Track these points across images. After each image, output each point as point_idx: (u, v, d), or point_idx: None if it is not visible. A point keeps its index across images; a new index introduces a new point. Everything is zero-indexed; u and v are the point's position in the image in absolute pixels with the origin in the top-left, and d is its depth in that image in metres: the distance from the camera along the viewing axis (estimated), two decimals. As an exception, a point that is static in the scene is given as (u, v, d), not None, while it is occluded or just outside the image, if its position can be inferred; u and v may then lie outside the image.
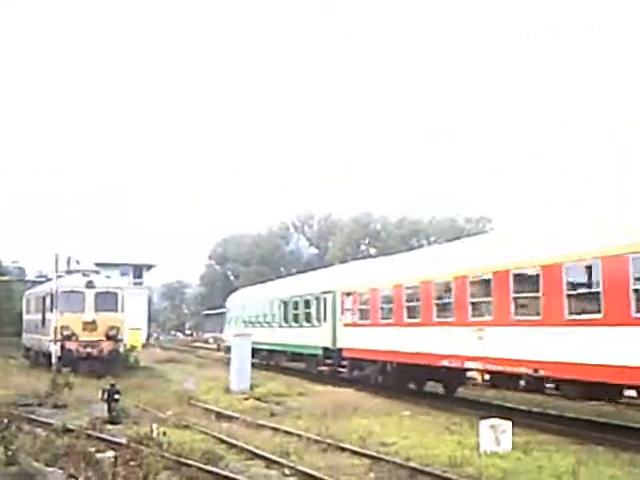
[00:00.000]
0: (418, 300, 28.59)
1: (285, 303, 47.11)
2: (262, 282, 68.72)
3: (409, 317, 29.20)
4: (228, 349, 46.25)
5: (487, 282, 24.17)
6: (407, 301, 29.56)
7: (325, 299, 38.96)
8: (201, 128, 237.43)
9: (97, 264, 54.56)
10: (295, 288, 47.07)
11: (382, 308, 31.87)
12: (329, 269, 50.94)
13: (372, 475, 15.93)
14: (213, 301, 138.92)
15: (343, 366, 36.07)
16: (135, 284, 78.77)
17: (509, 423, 18.28)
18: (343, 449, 18.26)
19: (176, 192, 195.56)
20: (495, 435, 17.90)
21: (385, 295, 31.87)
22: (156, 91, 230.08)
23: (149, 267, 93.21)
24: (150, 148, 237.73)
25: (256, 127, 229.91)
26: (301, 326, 43.30)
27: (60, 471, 15.26)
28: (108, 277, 47.35)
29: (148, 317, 79.67)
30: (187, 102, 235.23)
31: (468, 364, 24.99)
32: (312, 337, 40.45)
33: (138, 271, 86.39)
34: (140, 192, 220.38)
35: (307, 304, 42.48)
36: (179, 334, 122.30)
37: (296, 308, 44.58)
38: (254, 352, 45.82)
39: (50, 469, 15.34)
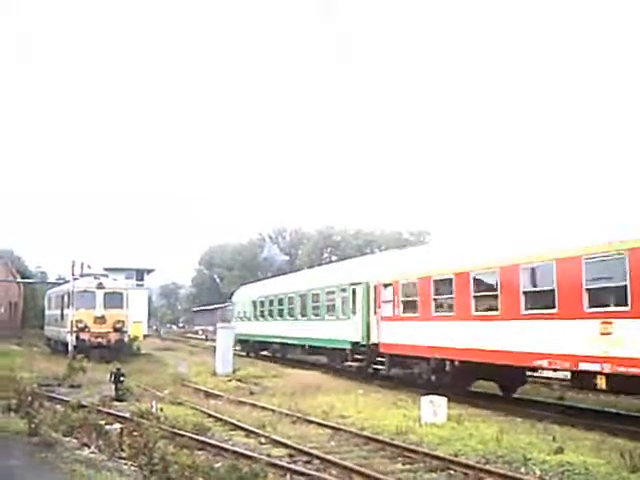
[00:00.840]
0: (494, 289, 20.86)
1: (303, 296, 38.66)
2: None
3: (481, 309, 21.51)
4: (239, 340, 46.73)
5: (618, 261, 16.32)
6: (478, 291, 21.71)
7: (354, 291, 31.13)
8: (195, 151, 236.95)
9: (106, 269, 54.14)
10: (314, 281, 38.62)
11: (436, 300, 23.92)
12: (357, 260, 39.87)
13: (333, 443, 15.99)
14: (202, 300, 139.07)
15: (378, 362, 28.76)
16: (137, 285, 78.26)
17: (444, 399, 18.43)
18: (309, 421, 18.33)
19: (172, 206, 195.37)
20: (433, 409, 18.03)
21: (441, 285, 23.81)
22: (159, 110, 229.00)
23: (149, 271, 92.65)
24: (149, 166, 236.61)
25: (241, 152, 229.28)
26: (323, 319, 35.13)
27: (75, 440, 15.26)
28: (115, 280, 47.28)
29: (148, 313, 79.08)
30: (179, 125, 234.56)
31: (584, 366, 17.08)
32: (337, 331, 32.53)
33: (140, 274, 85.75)
34: (142, 205, 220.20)
35: (330, 297, 34.51)
36: (174, 327, 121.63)
37: (316, 301, 36.48)
38: (266, 344, 45.52)
39: (67, 439, 15.32)
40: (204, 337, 77.35)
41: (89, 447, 14.60)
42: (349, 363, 31.30)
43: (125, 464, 13.06)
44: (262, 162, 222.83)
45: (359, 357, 30.40)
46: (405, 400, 21.96)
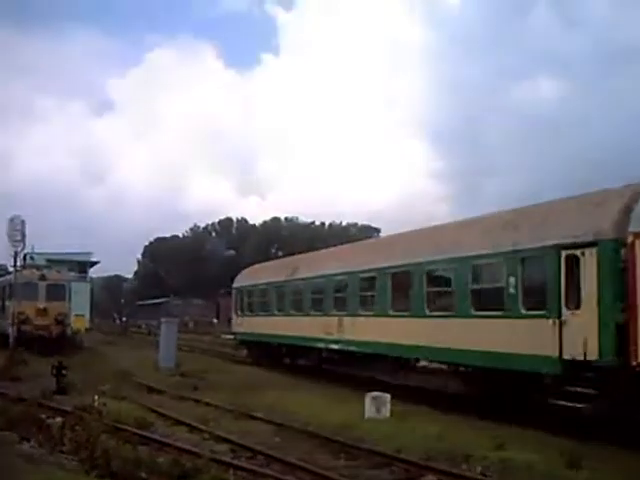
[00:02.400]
0: None
1: (394, 275, 24.16)
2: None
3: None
4: (242, 343, 40.93)
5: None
6: None
7: (572, 259, 16.36)
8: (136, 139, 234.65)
9: (48, 260, 53.59)
10: (437, 248, 22.16)
11: None
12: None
13: (277, 439, 16.09)
14: (146, 293, 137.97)
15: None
16: (80, 278, 77.38)
17: (388, 396, 18.65)
18: (254, 417, 18.39)
19: (114, 194, 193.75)
20: (377, 405, 18.23)
21: None
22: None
23: (92, 263, 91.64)
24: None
25: (187, 141, 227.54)
26: (462, 315, 20.09)
27: (15, 434, 15.13)
28: (58, 271, 46.72)
29: (91, 306, 78.32)
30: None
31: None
32: (516, 338, 17.81)
33: (83, 267, 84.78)
34: (87, 196, 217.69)
35: (478, 275, 20.09)
36: (117, 321, 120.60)
37: (440, 284, 22.21)
38: (296, 350, 33.10)
39: (6, 432, 15.18)
40: (147, 331, 76.77)
41: (29, 441, 14.50)
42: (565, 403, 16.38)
43: (66, 458, 13.00)
44: (208, 152, 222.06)
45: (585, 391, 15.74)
46: (350, 396, 22.10)
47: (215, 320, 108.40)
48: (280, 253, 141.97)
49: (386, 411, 18.21)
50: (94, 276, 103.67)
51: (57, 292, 41.38)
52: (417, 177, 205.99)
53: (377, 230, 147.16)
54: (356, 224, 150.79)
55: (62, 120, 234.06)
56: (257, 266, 44.00)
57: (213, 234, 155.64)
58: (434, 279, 22.49)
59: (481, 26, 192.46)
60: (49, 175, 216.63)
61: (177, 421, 17.80)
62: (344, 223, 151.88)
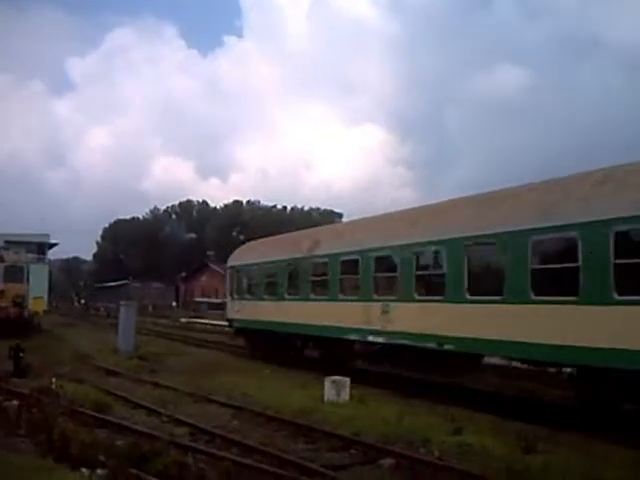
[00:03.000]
0: None
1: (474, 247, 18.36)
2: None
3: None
4: (239, 330, 33.75)
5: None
6: None
7: None
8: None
9: (6, 242, 52.96)
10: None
11: None
12: None
13: (235, 422, 16.09)
14: (104, 276, 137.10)
15: None
16: (38, 259, 76.66)
17: (347, 379, 18.73)
18: (212, 400, 18.36)
19: (74, 176, 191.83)
20: (336, 389, 18.30)
21: None
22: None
23: (51, 245, 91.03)
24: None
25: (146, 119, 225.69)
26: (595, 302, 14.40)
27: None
28: (16, 253, 46.19)
29: (49, 288, 77.76)
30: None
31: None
32: None
33: (41, 248, 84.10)
34: (45, 176, 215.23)
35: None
36: (75, 303, 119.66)
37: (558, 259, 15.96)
38: (317, 342, 27.35)
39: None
40: (106, 314, 76.33)
41: (-15, 424, 14.35)
42: None
43: (23, 442, 12.89)
44: (169, 134, 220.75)
45: None
46: (310, 380, 22.15)
47: (174, 303, 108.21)
48: (242, 237, 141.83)
49: (345, 394, 18.28)
50: (53, 258, 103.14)
51: (15, 274, 40.88)
52: (380, 163, 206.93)
53: (339, 215, 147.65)
54: (318, 209, 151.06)
55: (21, 99, 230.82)
56: (260, 241, 37.22)
57: (173, 216, 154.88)
58: (545, 252, 16.58)
59: (445, 15, 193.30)
60: (7, 155, 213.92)
61: (136, 404, 17.72)
62: (306, 208, 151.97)
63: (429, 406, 18.06)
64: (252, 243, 38.13)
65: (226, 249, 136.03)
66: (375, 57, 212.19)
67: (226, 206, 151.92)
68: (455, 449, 13.13)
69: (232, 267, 35.10)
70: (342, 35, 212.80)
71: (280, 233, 37.46)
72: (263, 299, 30.49)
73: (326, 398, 18.16)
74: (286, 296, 28.42)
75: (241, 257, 35.14)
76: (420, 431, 14.33)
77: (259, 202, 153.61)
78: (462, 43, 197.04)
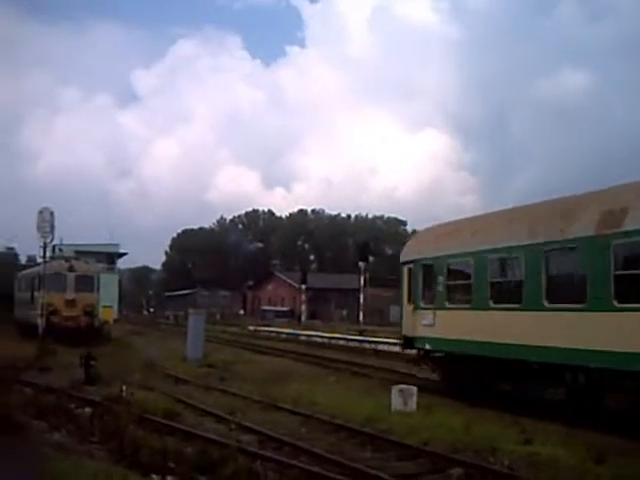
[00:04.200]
0: None
1: None
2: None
3: None
4: (427, 355, 24.44)
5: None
6: None
7: None
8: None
9: (77, 252, 53.90)
10: None
11: None
12: None
13: (303, 430, 16.09)
14: (173, 285, 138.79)
15: None
16: (108, 269, 77.91)
17: (415, 388, 18.62)
18: (280, 408, 18.38)
19: (142, 186, 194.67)
20: (403, 398, 18.19)
21: None
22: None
23: (121, 255, 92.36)
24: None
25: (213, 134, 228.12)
26: None
27: (45, 423, 15.24)
28: (86, 263, 47.06)
29: (119, 297, 78.88)
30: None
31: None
32: None
33: (111, 258, 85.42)
34: (113, 187, 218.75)
35: None
36: (144, 312, 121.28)
37: None
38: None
39: (37, 422, 15.30)
40: (175, 322, 77.20)
41: (59, 431, 14.60)
42: None
43: (95, 448, 13.08)
44: (234, 144, 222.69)
45: None
46: (376, 388, 22.08)
47: (242, 312, 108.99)
48: (307, 246, 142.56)
49: (413, 404, 18.16)
50: (122, 267, 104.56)
51: (85, 283, 41.75)
52: (443, 169, 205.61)
53: (404, 223, 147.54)
54: (382, 216, 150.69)
55: (88, 113, 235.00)
56: (463, 221, 24.94)
57: (240, 226, 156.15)
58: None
59: (506, 18, 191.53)
60: (76, 168, 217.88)
61: (204, 411, 17.83)
62: (370, 215, 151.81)
63: (497, 415, 17.84)
64: (448, 225, 25.73)
65: (291, 258, 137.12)
66: (436, 62, 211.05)
67: (291, 215, 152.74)
68: (525, 459, 12.92)
69: (413, 262, 25.08)
70: (403, 40, 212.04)
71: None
72: (488, 307, 20.46)
73: (393, 407, 18.05)
74: (543, 304, 18.15)
75: (430, 246, 24.73)
76: (489, 440, 14.13)
77: (323, 211, 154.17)
78: (524, 46, 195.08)
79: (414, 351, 25.91)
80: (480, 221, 23.49)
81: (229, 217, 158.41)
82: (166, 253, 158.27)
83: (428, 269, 23.99)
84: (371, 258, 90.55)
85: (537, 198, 23.32)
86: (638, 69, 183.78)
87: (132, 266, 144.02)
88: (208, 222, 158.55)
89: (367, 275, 64.53)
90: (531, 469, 12.36)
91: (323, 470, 11.82)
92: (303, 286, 75.98)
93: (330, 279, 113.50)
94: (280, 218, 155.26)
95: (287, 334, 58.86)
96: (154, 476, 11.10)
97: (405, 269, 25.71)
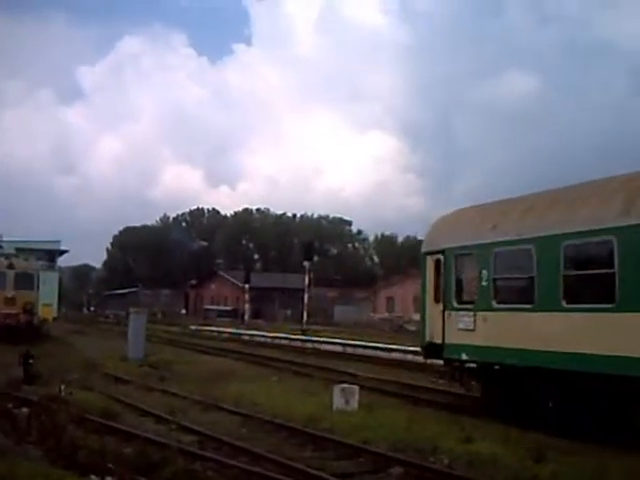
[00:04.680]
0: None
1: None
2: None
3: None
4: (466, 367, 19.40)
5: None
6: None
7: None
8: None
9: (17, 249, 53.10)
10: None
11: None
12: None
13: (244, 430, 16.06)
14: (114, 283, 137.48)
15: None
16: (49, 267, 76.80)
17: (356, 387, 18.72)
18: (221, 408, 18.33)
19: (85, 183, 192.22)
20: (345, 397, 18.27)
21: None
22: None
23: (61, 252, 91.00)
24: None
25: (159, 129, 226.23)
26: None
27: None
28: (26, 260, 46.36)
29: (59, 295, 77.80)
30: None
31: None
32: None
33: (52, 255, 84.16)
34: (56, 183, 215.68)
35: None
36: (85, 311, 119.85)
37: None
38: None
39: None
40: (115, 321, 76.46)
41: (-5, 431, 14.38)
42: None
43: (33, 449, 12.91)
44: (179, 141, 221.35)
45: None
46: (318, 388, 22.13)
47: (184, 311, 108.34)
48: (251, 245, 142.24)
49: (354, 403, 18.24)
50: (63, 265, 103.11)
51: (25, 281, 41.10)
52: (390, 171, 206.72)
53: (349, 223, 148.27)
54: (328, 216, 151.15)
55: (31, 107, 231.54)
56: (516, 200, 19.81)
57: (183, 224, 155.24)
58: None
59: (454, 21, 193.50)
60: (18, 163, 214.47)
61: (144, 412, 17.71)
62: (315, 215, 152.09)
63: (438, 414, 18.04)
64: (493, 204, 20.59)
65: (236, 257, 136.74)
66: (384, 64, 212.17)
67: (236, 214, 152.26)
68: (465, 458, 13.07)
69: (442, 251, 20.31)
70: (352, 42, 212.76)
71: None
72: (560, 308, 15.99)
73: (335, 406, 18.11)
74: None
75: (467, 231, 19.89)
76: (429, 439, 14.28)
77: (268, 210, 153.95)
78: (471, 49, 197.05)
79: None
80: (544, 198, 18.43)
81: (173, 215, 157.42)
82: (108, 251, 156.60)
83: (466, 260, 19.62)
84: (316, 258, 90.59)
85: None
86: (583, 73, 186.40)
87: (73, 264, 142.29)
88: (152, 220, 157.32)
89: (312, 275, 64.56)
90: (470, 468, 12.51)
91: (263, 470, 11.83)
92: (247, 285, 75.68)
93: (274, 278, 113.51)
94: (225, 217, 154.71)
95: (230, 334, 58.68)
96: (93, 477, 11.00)
97: (430, 260, 21.00)
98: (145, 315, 36.29)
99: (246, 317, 75.93)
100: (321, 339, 46.57)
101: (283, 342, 48.56)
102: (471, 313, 18.75)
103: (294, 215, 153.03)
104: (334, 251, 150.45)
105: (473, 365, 19.26)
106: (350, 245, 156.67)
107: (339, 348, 41.58)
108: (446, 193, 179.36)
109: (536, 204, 18.20)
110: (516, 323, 17.43)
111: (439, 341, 20.03)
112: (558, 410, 16.26)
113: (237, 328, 64.44)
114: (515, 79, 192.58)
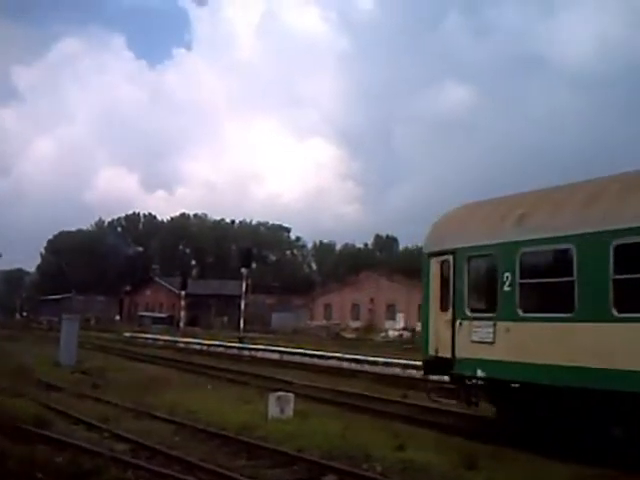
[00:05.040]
0: None
1: None
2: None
3: None
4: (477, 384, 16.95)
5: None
6: None
7: None
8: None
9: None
10: None
11: None
12: None
13: (177, 438, 15.99)
14: (48, 288, 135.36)
15: None
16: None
17: (292, 395, 18.77)
18: (154, 416, 18.22)
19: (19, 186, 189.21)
20: (281, 405, 18.31)
21: None
22: None
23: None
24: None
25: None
26: None
27: None
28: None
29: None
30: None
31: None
32: None
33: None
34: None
35: None
36: (18, 316, 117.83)
37: None
38: None
39: None
40: (48, 327, 75.36)
41: None
42: None
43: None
44: (115, 145, 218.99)
45: None
46: (253, 396, 22.13)
47: (117, 317, 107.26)
48: (188, 251, 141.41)
49: (289, 410, 18.29)
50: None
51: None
52: (330, 178, 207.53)
53: (288, 229, 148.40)
54: (267, 223, 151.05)
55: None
56: (544, 191, 17.16)
57: (119, 229, 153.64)
58: None
59: (394, 31, 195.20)
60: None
61: (77, 419, 17.53)
62: (254, 222, 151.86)
63: (373, 422, 18.18)
64: (516, 197, 17.79)
65: (172, 263, 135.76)
66: (325, 72, 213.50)
67: (173, 219, 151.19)
68: (398, 465, 13.20)
69: (453, 252, 17.58)
70: (292, 49, 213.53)
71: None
72: (610, 318, 13.35)
73: (270, 414, 18.14)
74: None
75: (484, 228, 17.28)
76: (363, 447, 14.38)
77: (206, 215, 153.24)
78: (410, 59, 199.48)
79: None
80: (585, 189, 15.64)
81: (108, 219, 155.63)
82: (41, 255, 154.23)
83: (482, 261, 17.09)
84: (254, 264, 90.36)
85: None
86: (519, 85, 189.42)
87: (6, 268, 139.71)
88: (87, 224, 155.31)
89: (249, 281, 64.41)
90: (404, 475, 12.65)
91: (196, 479, 11.83)
92: (183, 292, 75.22)
93: (211, 285, 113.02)
94: (161, 222, 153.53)
95: (165, 341, 58.33)
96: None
97: (435, 263, 18.41)
98: (77, 321, 35.93)
99: (182, 324, 75.43)
100: (258, 347, 46.57)
101: (219, 350, 48.46)
102: (490, 323, 16.04)
103: (232, 221, 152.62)
104: (272, 258, 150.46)
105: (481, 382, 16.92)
106: (289, 252, 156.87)
107: (276, 356, 41.66)
108: (383, 201, 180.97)
109: (576, 195, 15.53)
110: (547, 335, 14.77)
111: (447, 355, 17.31)
112: (598, 436, 13.96)
113: (173, 335, 64.00)
114: (452, 90, 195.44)
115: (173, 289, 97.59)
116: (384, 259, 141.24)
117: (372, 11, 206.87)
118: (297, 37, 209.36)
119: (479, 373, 16.43)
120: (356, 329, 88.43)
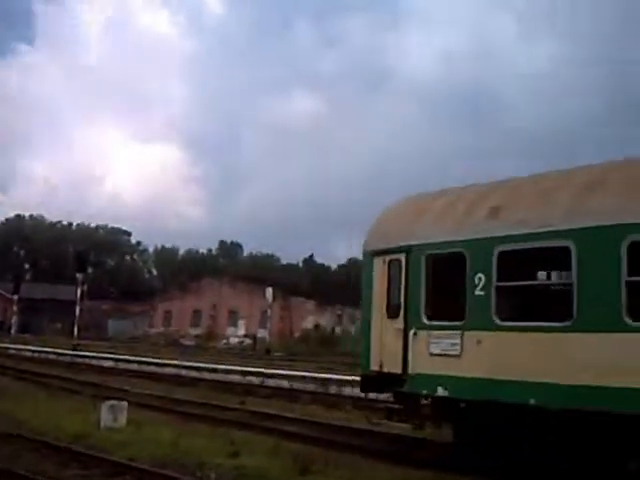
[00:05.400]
0: None
1: None
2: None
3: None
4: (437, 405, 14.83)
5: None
6: None
7: None
8: None
9: None
10: None
11: None
12: None
13: (6, 449, 15.53)
14: None
15: None
16: None
17: (125, 404, 18.65)
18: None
19: None
20: (114, 414, 18.17)
21: None
22: None
23: None
24: None
25: None
26: None
27: None
28: None
29: None
30: None
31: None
32: None
33: None
34: None
35: None
36: None
37: None
38: None
39: None
40: None
41: None
42: None
43: None
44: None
45: None
46: (87, 405, 21.79)
47: None
48: (22, 253, 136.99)
49: (123, 419, 18.18)
50: None
51: None
52: (173, 181, 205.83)
53: (128, 233, 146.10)
54: (106, 226, 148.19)
55: None
56: (532, 178, 14.51)
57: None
58: None
59: (243, 37, 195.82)
60: None
61: None
62: (93, 224, 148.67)
63: (210, 430, 18.29)
64: (491, 185, 15.28)
65: (5, 266, 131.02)
66: (172, 75, 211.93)
67: (7, 220, 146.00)
68: (232, 472, 13.37)
69: (406, 250, 15.21)
70: (140, 51, 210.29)
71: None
72: (622, 328, 11.28)
73: (103, 423, 17.96)
74: None
75: (450, 222, 14.79)
76: (196, 454, 14.51)
77: (43, 217, 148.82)
78: (257, 66, 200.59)
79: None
80: (583, 176, 13.29)
81: None
82: None
83: (445, 260, 14.57)
84: (90, 269, 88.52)
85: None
86: (366, 97, 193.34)
87: None
88: None
89: (85, 287, 63.09)
90: (236, 482, 12.86)
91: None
92: (15, 296, 72.90)
93: (46, 290, 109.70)
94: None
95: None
96: None
97: (379, 263, 15.96)
98: None
99: (13, 330, 73.07)
100: (92, 354, 45.78)
101: (51, 357, 47.34)
102: (456, 333, 13.76)
103: (70, 223, 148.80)
104: (111, 262, 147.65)
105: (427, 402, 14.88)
106: (128, 257, 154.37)
107: (111, 363, 41.11)
108: (229, 207, 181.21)
109: (572, 182, 13.27)
110: (536, 347, 12.50)
111: (396, 370, 14.92)
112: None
113: (3, 342, 61.89)
114: (301, 98, 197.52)
115: (5, 293, 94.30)
116: (228, 265, 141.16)
117: (222, 16, 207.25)
118: (145, 39, 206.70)
119: (440, 392, 14.03)
120: (197, 336, 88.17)
